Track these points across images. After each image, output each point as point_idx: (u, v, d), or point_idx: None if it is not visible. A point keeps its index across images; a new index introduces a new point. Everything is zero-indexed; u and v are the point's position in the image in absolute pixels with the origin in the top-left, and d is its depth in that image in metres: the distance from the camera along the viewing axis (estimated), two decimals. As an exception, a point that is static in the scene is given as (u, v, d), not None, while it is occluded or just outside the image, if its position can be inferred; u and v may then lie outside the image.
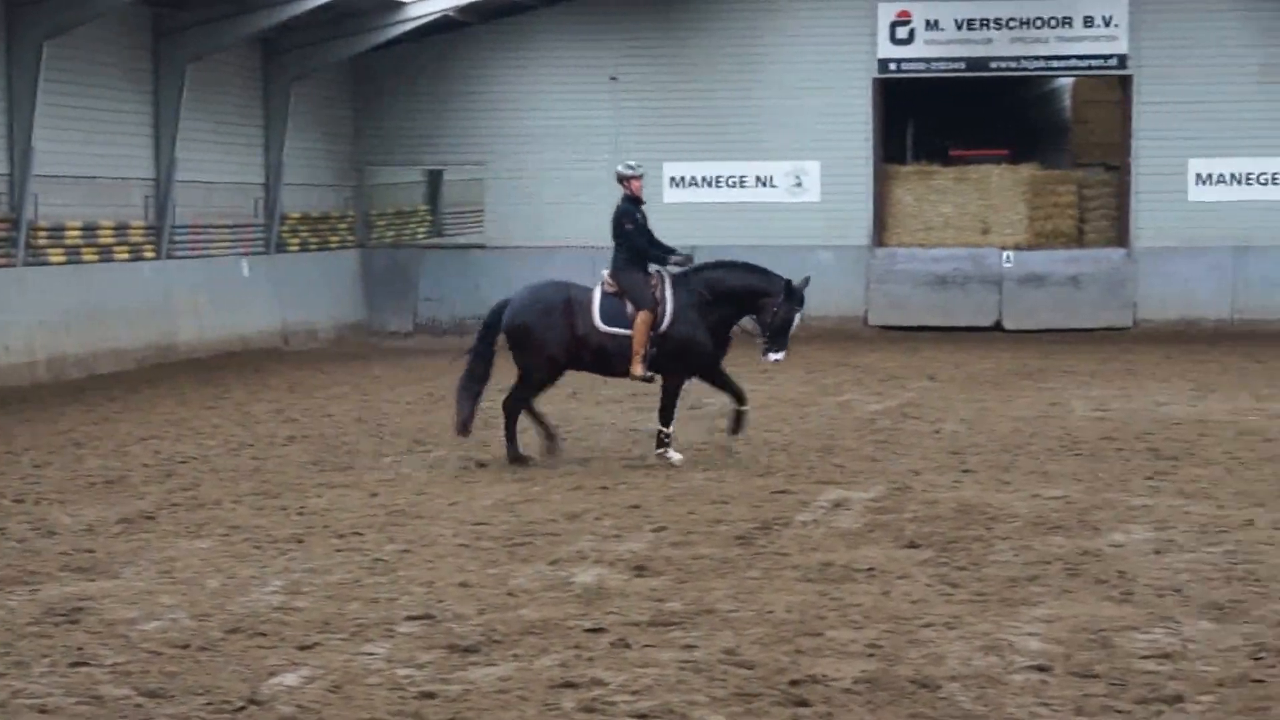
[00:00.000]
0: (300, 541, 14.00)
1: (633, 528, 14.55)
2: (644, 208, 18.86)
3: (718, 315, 18.26)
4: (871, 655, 10.05)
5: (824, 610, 11.30)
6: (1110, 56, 37.77)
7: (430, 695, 9.14)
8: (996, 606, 11.43)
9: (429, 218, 47.38)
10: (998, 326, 37.93)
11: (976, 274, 38.31)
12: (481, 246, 41.01)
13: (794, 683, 9.30)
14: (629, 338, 18.09)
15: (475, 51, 39.73)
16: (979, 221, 39.00)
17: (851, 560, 13.01)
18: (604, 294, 18.37)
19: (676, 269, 18.57)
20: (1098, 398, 24.63)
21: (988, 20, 38.10)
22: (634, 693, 9.13)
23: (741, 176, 39.09)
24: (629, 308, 18.14)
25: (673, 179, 39.04)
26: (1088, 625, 10.81)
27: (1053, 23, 37.79)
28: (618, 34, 39.28)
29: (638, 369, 18.17)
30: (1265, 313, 36.28)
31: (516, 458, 18.36)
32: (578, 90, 39.38)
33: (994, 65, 38.80)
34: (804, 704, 8.90)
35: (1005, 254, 38.13)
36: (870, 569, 12.67)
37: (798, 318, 18.38)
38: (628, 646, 10.20)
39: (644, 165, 19.61)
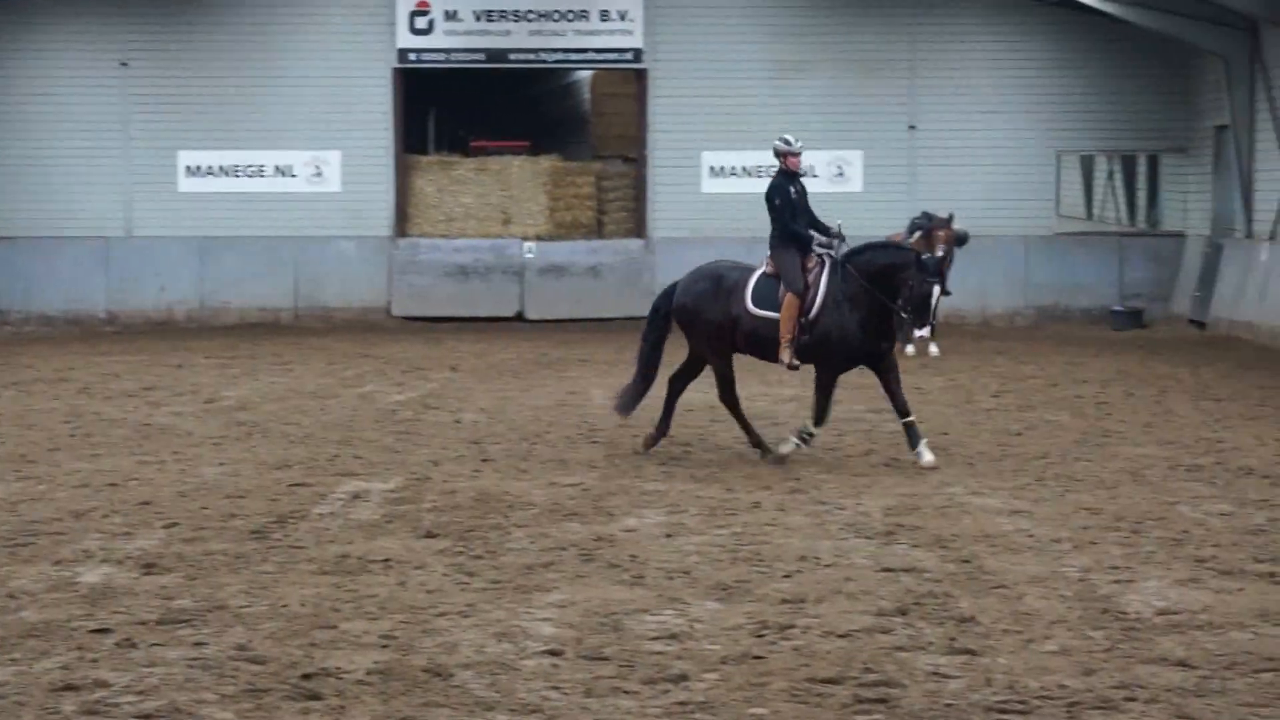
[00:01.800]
0: None
1: (143, 524, 14.18)
2: (800, 183, 18.22)
3: (871, 301, 17.18)
4: (385, 646, 10.02)
5: (339, 602, 11.22)
6: (626, 50, 38.30)
7: (-80, 705, 8.76)
8: (512, 593, 11.52)
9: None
10: (520, 317, 38.18)
11: (498, 265, 38.54)
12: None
13: (306, 676, 9.22)
14: (779, 322, 17.41)
15: (-21, 38, 38.37)
16: (500, 212, 39.23)
17: (368, 552, 12.95)
18: (762, 275, 17.77)
19: (832, 251, 17.69)
20: (614, 386, 24.97)
21: (506, 12, 38.29)
22: (139, 693, 8.90)
23: (260, 166, 38.50)
24: (781, 290, 17.46)
25: (188, 168, 38.25)
26: (600, 609, 10.98)
27: (570, 16, 38.19)
28: (128, 19, 38.34)
29: (785, 355, 17.43)
30: None
31: (758, 444, 17.96)
32: (86, 76, 38.24)
33: (513, 57, 39.05)
34: (316, 697, 8.82)
35: (526, 245, 38.43)
36: (387, 560, 12.63)
37: (936, 290, 17.12)
38: (134, 646, 9.94)
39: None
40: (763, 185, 37.10)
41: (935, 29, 37.33)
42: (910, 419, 17.20)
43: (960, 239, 28.30)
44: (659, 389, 18.66)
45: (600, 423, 20.68)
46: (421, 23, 38.24)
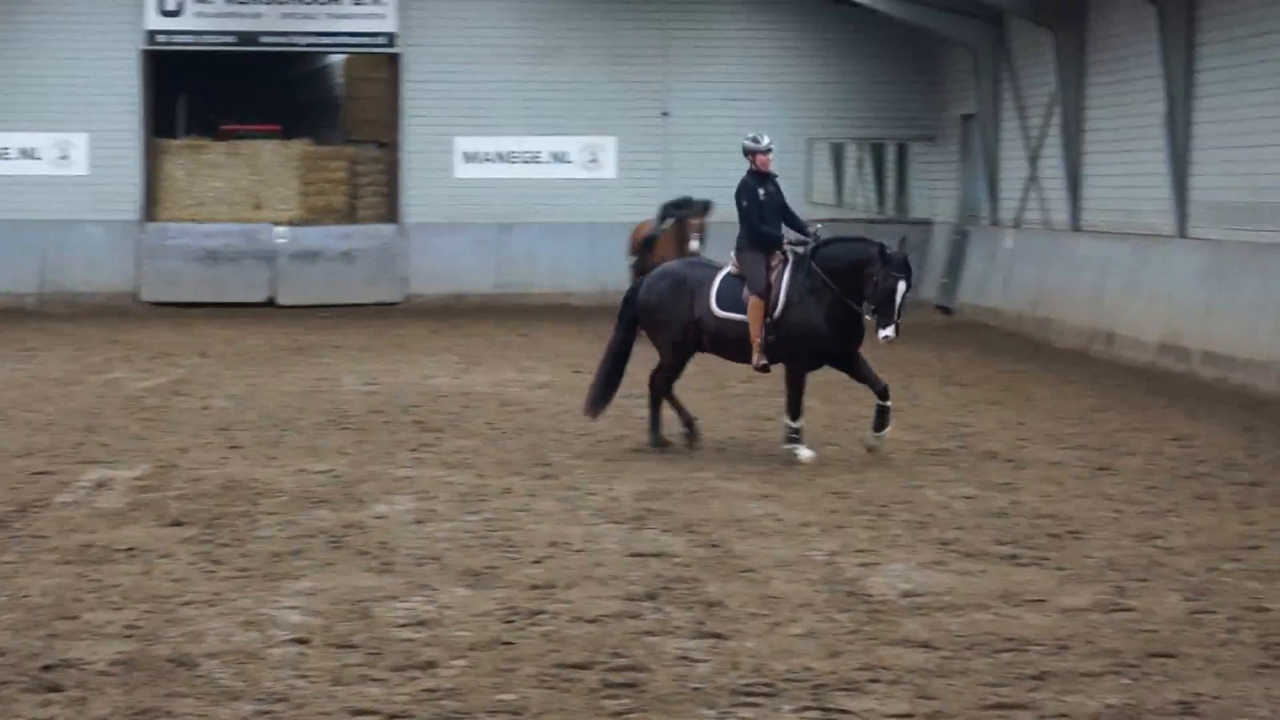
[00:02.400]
0: None
1: None
2: (774, 183, 17.57)
3: (833, 297, 16.67)
4: (129, 636, 9.86)
5: (82, 592, 11.03)
6: (379, 35, 37.94)
7: None
8: (259, 582, 11.40)
9: None
10: (271, 302, 37.70)
11: (249, 249, 38.00)
12: None
13: (46, 668, 9.03)
14: (745, 324, 16.89)
15: None
16: (251, 197, 38.74)
17: (113, 540, 12.73)
18: (727, 275, 17.24)
19: (800, 248, 17.11)
20: (367, 372, 24.86)
21: (258, -6, 37.87)
22: None
23: (4, 148, 37.59)
24: (745, 291, 16.91)
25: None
26: (348, 596, 10.91)
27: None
28: None
29: (755, 357, 16.97)
30: (527, 287, 37.12)
31: (659, 442, 17.61)
32: None
33: (264, 40, 38.62)
34: (56, 689, 8.65)
35: (278, 230, 37.95)
36: (131, 549, 12.42)
37: (902, 286, 16.44)
38: None
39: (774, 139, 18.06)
40: (516, 171, 37.44)
41: (687, 15, 37.51)
42: (889, 404, 16.88)
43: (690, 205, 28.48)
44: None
45: (351, 409, 20.49)
46: (171, 4, 37.57)
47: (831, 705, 8.66)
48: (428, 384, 23.34)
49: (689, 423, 17.67)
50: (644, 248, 28.88)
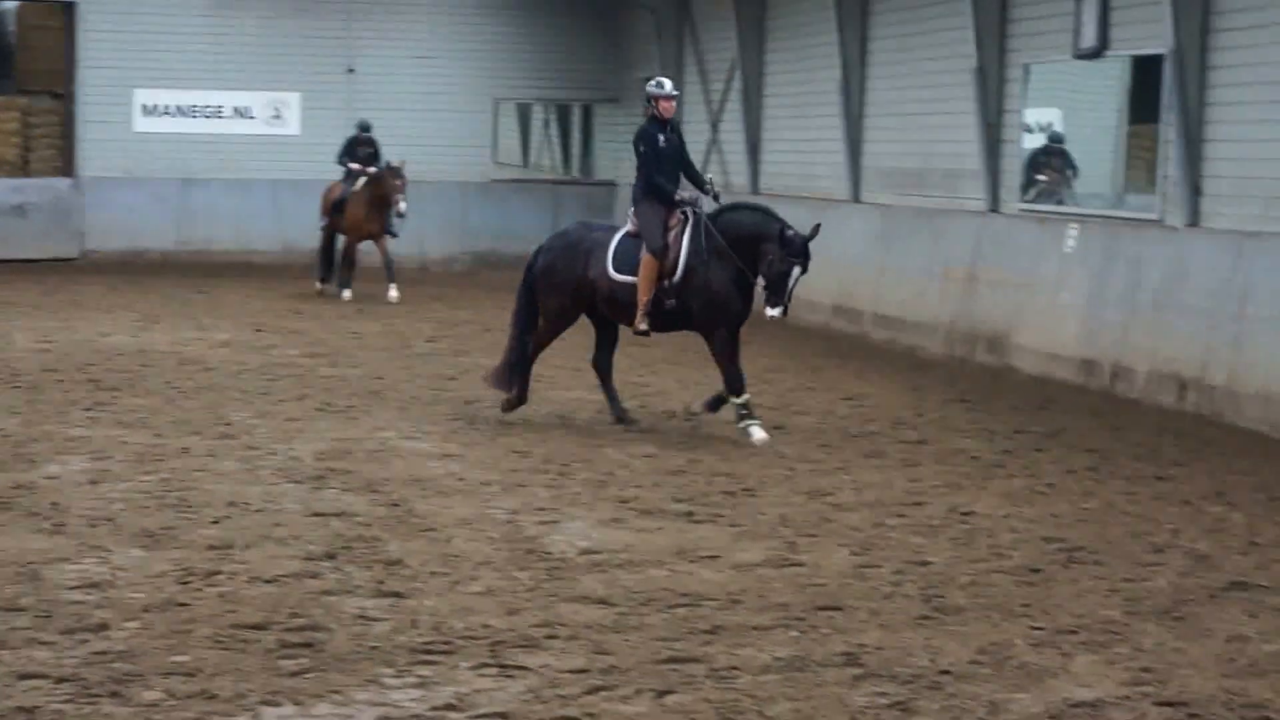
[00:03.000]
0: None
1: None
2: (676, 131, 16.59)
3: (736, 266, 15.72)
4: None
5: None
6: (53, -19, 36.90)
7: None
8: (-79, 545, 11.11)
9: None
10: None
11: (-85, 201, 36.63)
12: None
13: None
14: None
15: None
16: (-83, 148, 37.40)
17: None
18: (625, 235, 16.23)
19: (697, 206, 16.14)
20: (40, 329, 24.13)
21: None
22: None
23: None
24: (643, 251, 15.90)
25: None
26: (16, 559, 10.67)
27: (-6, -57, 36.57)
28: None
29: (640, 322, 15.98)
30: (209, 244, 36.29)
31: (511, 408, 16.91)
32: None
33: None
34: None
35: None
36: None
37: (796, 271, 15.51)
38: None
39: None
40: (198, 126, 36.64)
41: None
42: (745, 398, 15.90)
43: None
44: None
45: (23, 367, 19.95)
46: None
47: (509, 662, 8.76)
48: (104, 341, 22.74)
49: (522, 393, 16.93)
50: (335, 211, 28.70)
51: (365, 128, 29.24)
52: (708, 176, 16.99)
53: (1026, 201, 22.81)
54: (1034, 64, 22.69)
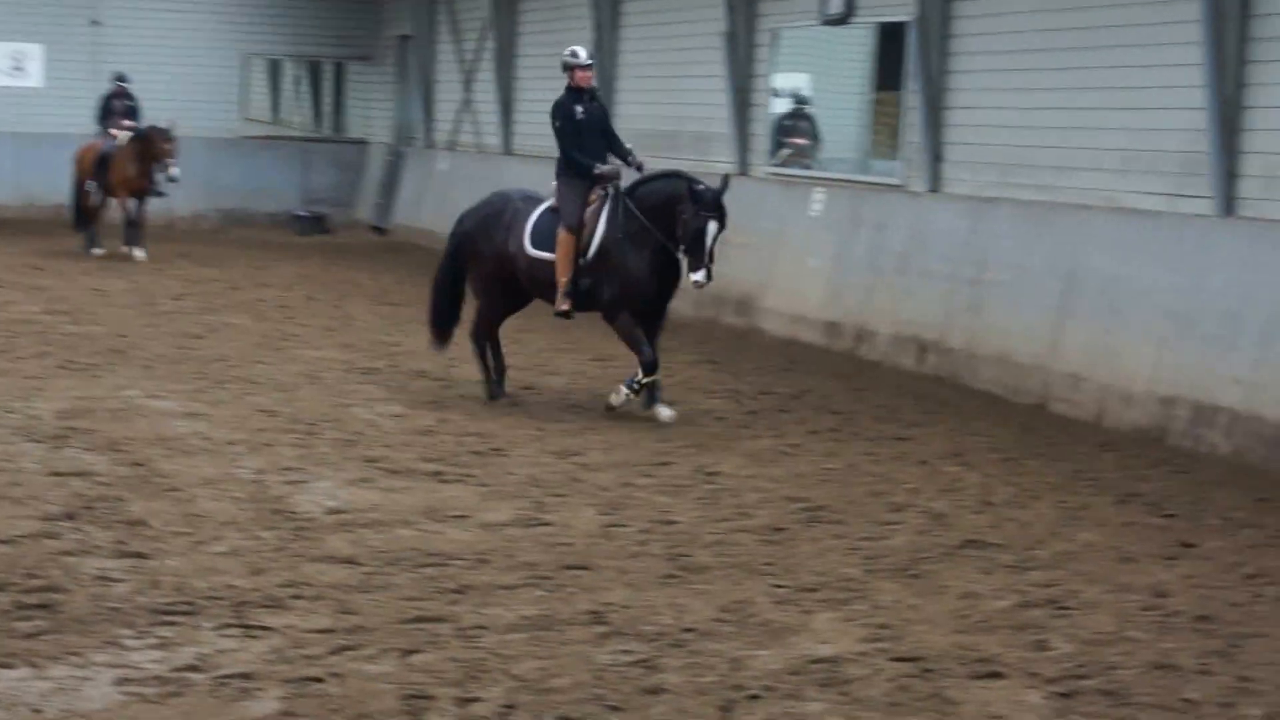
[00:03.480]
0: None
1: None
2: (596, 101, 15.75)
3: (655, 241, 14.77)
4: None
5: None
6: None
7: None
8: None
9: None
10: None
11: None
12: None
13: None
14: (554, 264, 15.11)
15: None
16: None
17: None
18: (546, 210, 15.31)
19: (616, 181, 15.24)
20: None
21: None
22: None
23: None
24: (560, 229, 15.07)
25: None
26: None
27: None
28: None
29: (560, 303, 15.11)
30: None
31: (494, 395, 15.94)
32: None
33: None
34: None
35: None
36: None
37: (713, 227, 14.49)
38: None
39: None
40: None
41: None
42: (656, 378, 15.06)
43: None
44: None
45: None
46: None
47: (253, 622, 8.71)
48: None
49: (500, 372, 16.05)
50: (100, 169, 27.70)
51: (122, 78, 28.54)
52: (628, 145, 15.92)
53: (774, 165, 23.06)
54: (782, 29, 22.90)
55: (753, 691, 7.91)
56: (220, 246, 31.74)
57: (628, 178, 15.59)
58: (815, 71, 22.80)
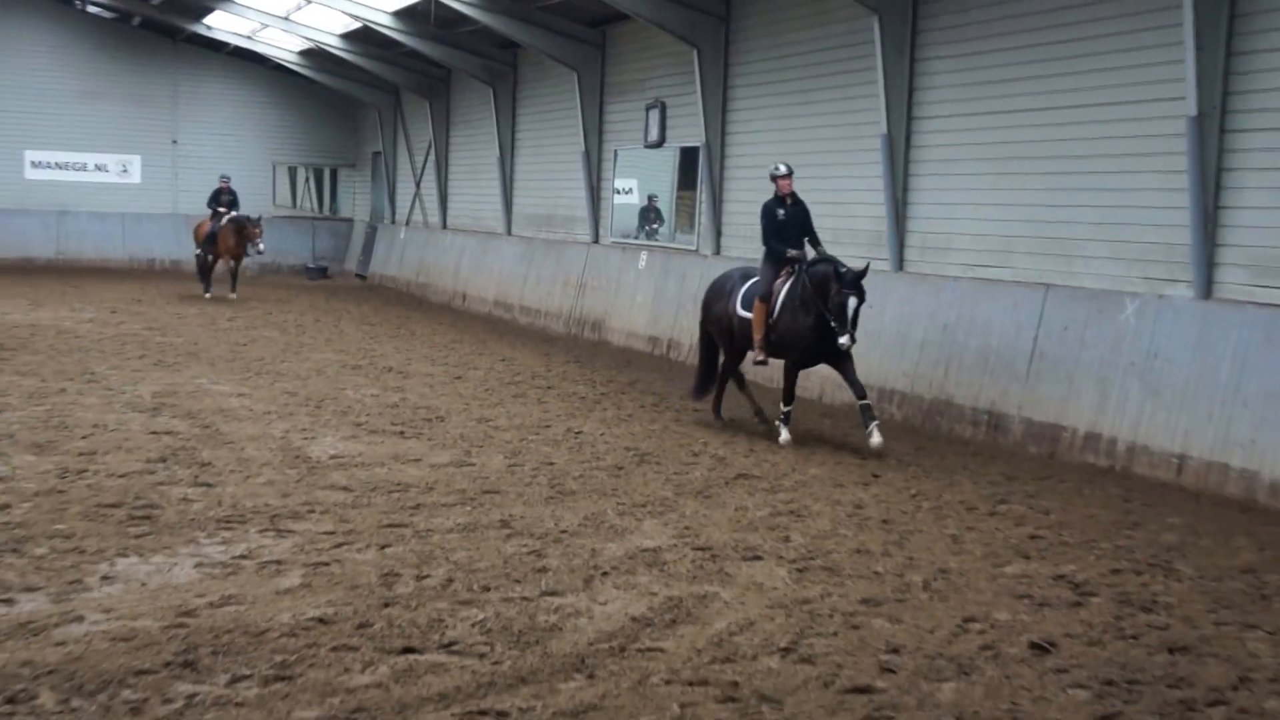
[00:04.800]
0: None
1: None
2: (798, 204, 13.28)
3: (817, 308, 12.53)
4: None
5: None
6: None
7: None
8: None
9: None
10: None
11: None
12: None
13: None
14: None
15: None
16: None
17: None
18: (752, 282, 13.53)
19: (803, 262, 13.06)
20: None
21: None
22: None
23: None
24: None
25: None
26: (-54, 462, 10.13)
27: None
28: None
29: (756, 354, 13.23)
30: (79, 254, 34.01)
31: (717, 416, 14.11)
32: None
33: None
34: None
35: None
36: None
37: (853, 302, 12.23)
38: None
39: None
40: (70, 175, 35.15)
41: (190, 74, 35.49)
42: (867, 402, 12.54)
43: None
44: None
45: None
46: None
47: (283, 527, 8.66)
48: (3, 318, 21.53)
49: (757, 411, 14.01)
50: (208, 242, 26.74)
51: (226, 177, 27.69)
52: (819, 238, 13.57)
53: (618, 237, 23.09)
54: (620, 150, 22.97)
55: (605, 569, 7.94)
56: (258, 288, 31.20)
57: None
58: (640, 177, 22.77)
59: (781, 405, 13.01)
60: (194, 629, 6.46)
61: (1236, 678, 6.41)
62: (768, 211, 13.35)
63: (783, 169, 13.25)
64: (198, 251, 27.42)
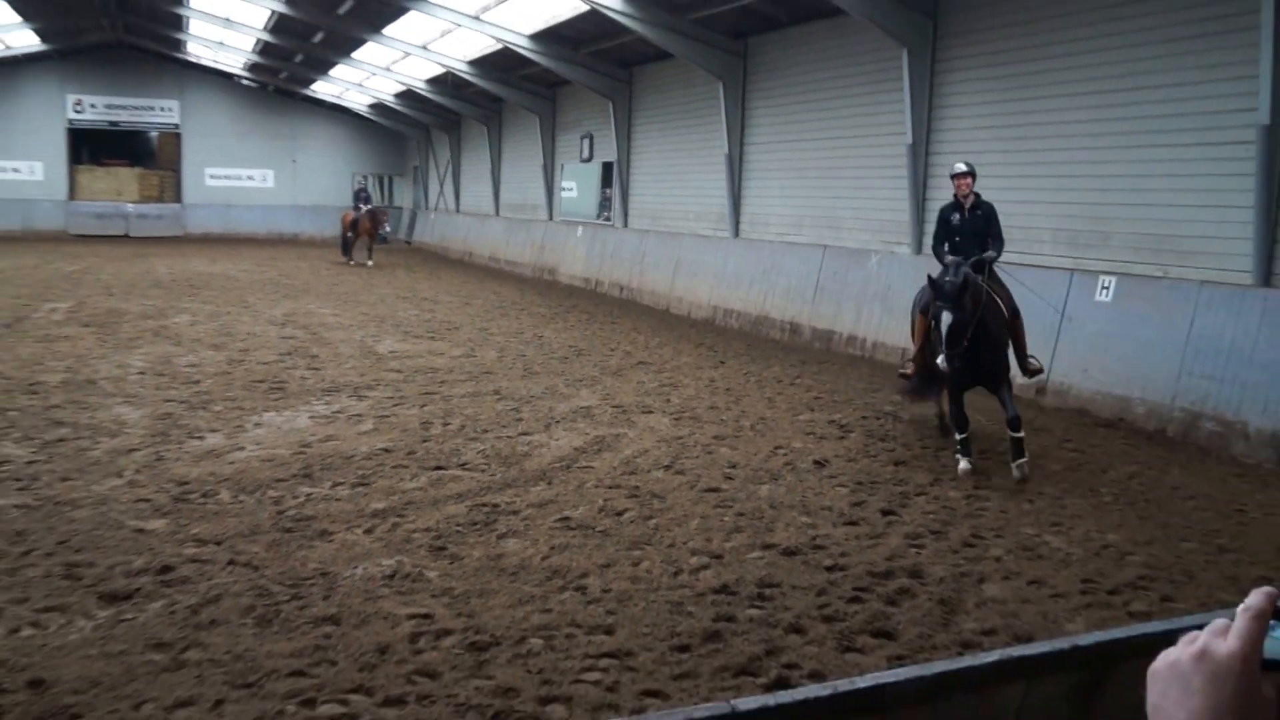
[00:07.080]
0: None
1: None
2: (979, 206, 6.90)
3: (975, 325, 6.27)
4: (69, 369, 8.08)
5: (43, 356, 8.91)
6: (170, 123, 32.14)
7: None
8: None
9: None
10: (126, 235, 31.31)
11: (115, 213, 31.46)
12: None
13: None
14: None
15: None
16: (116, 190, 32.02)
17: (59, 334, 10.38)
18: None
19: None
20: (166, 265, 21.19)
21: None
22: None
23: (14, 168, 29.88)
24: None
25: None
26: (161, 357, 9.28)
27: None
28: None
29: (905, 366, 7.35)
30: (243, 229, 32.31)
31: (944, 431, 7.35)
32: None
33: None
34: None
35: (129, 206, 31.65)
36: (67, 336, 10.17)
37: (946, 317, 6.04)
38: None
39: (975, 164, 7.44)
40: (233, 183, 32.81)
41: (303, 118, 33.24)
42: (1019, 435, 6.19)
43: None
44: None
45: (159, 279, 17.29)
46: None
47: (363, 395, 8.08)
48: (196, 270, 20.02)
49: (943, 428, 7.43)
50: (352, 228, 23.57)
51: (365, 178, 25.66)
52: (987, 253, 6.99)
53: (564, 217, 22.25)
54: (565, 164, 22.05)
55: (557, 419, 7.47)
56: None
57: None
58: (578, 181, 21.94)
59: (954, 433, 6.51)
60: (310, 455, 6.10)
61: (933, 478, 6.20)
62: (940, 216, 7.06)
63: (961, 167, 6.93)
64: (349, 234, 23.89)
